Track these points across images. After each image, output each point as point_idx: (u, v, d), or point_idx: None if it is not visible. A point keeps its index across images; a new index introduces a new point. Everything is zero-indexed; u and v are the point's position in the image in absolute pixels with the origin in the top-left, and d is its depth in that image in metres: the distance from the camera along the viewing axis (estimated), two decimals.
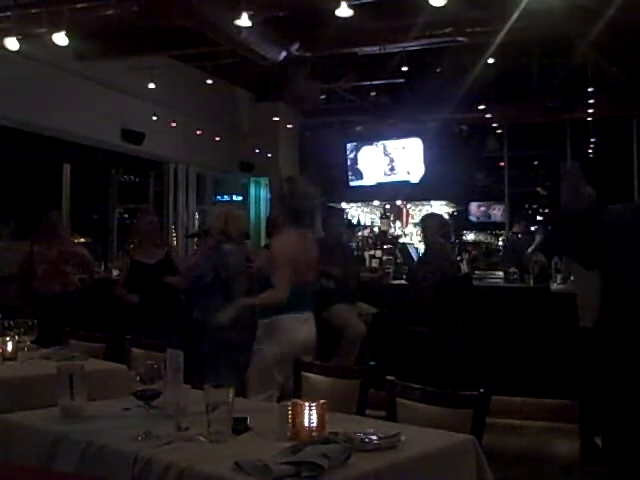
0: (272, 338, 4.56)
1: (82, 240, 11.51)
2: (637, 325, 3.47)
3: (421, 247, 9.90)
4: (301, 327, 4.60)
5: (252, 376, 4.58)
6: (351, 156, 14.70)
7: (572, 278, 6.66)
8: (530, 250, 9.60)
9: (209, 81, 11.29)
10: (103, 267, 9.06)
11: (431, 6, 6.24)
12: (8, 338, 4.15)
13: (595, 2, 7.69)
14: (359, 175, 14.68)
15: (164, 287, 6.38)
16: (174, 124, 11.26)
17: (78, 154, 10.44)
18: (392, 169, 14.40)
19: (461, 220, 14.75)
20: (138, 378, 2.68)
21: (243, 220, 6.44)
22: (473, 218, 16.13)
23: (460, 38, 9.17)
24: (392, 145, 14.46)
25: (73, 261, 7.18)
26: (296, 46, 9.45)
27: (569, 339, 6.07)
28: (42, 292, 6.93)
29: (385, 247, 10.55)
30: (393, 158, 14.40)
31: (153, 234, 6.79)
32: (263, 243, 13.04)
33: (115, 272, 8.86)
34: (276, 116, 13.24)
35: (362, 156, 14.66)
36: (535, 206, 16.80)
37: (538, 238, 10.24)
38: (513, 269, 7.72)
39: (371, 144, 14.63)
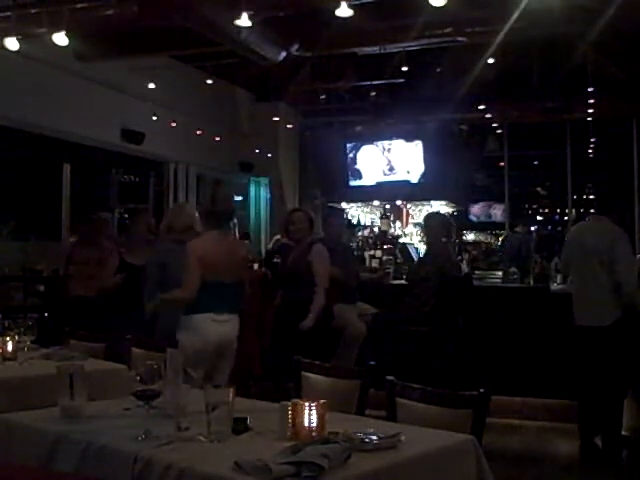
0: (185, 335, 4.64)
1: None
2: None
3: (421, 247, 9.90)
4: (214, 327, 4.70)
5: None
6: (350, 156, 14.70)
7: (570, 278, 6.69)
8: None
9: (209, 81, 11.29)
10: None
11: (431, 6, 6.23)
12: (8, 338, 4.15)
13: (595, 2, 7.69)
14: (358, 175, 14.67)
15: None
16: (174, 124, 11.25)
17: (78, 154, 10.43)
18: (391, 169, 14.39)
19: (461, 220, 14.74)
20: (138, 378, 2.69)
21: (174, 216, 6.17)
22: (473, 218, 16.13)
23: (460, 38, 9.18)
24: (391, 145, 14.45)
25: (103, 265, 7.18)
26: (296, 46, 9.45)
27: (569, 339, 6.08)
28: (72, 294, 6.97)
29: (385, 247, 10.54)
30: (392, 158, 14.39)
31: (143, 235, 6.75)
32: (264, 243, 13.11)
33: None
34: (276, 116, 13.24)
35: (361, 156, 14.65)
36: (535, 206, 16.81)
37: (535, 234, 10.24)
38: (513, 269, 7.72)
39: (370, 144, 14.62)
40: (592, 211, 14.14)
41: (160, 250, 5.73)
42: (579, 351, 5.69)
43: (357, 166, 14.65)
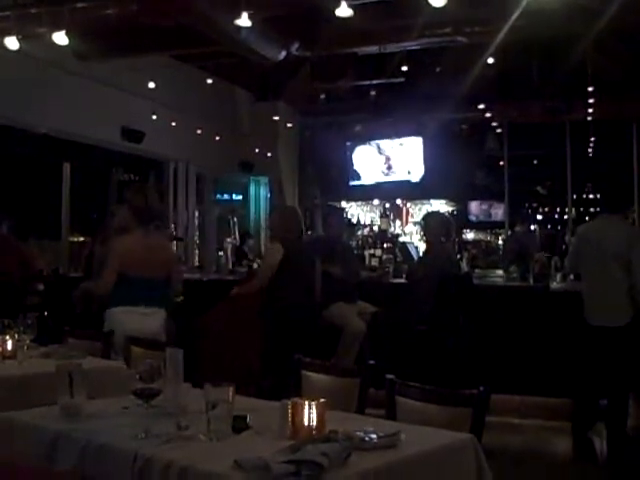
0: (107, 327, 4.93)
1: (82, 239, 11.51)
2: None
3: (421, 246, 9.92)
4: (134, 320, 4.91)
5: None
6: (347, 155, 14.72)
7: (572, 277, 6.68)
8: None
9: (209, 81, 11.30)
10: None
11: (431, 6, 6.24)
12: (7, 337, 4.14)
13: (595, 2, 7.69)
14: (357, 176, 14.68)
15: None
16: (174, 123, 11.26)
17: (78, 153, 10.44)
18: (389, 168, 14.39)
19: (461, 219, 14.76)
20: (138, 376, 2.68)
21: None
22: (473, 217, 16.14)
23: (460, 38, 9.18)
24: (390, 144, 14.46)
25: None
26: (296, 46, 9.45)
27: (569, 338, 6.08)
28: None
29: (385, 246, 10.55)
30: (389, 157, 14.39)
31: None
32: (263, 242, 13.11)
33: None
34: (276, 115, 13.25)
35: (357, 156, 14.66)
36: (535, 205, 16.83)
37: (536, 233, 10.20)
38: (513, 268, 7.72)
39: (365, 144, 14.63)
40: (593, 210, 14.25)
41: None
42: (592, 350, 5.65)
43: (355, 167, 14.65)
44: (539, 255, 8.20)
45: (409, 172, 14.11)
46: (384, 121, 14.13)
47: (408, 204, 14.53)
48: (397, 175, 14.33)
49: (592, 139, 14.67)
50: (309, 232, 12.20)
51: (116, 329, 4.80)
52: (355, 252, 9.39)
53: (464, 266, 9.00)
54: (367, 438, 2.43)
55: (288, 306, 6.09)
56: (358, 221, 14.43)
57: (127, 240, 5.22)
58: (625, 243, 5.52)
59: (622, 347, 5.46)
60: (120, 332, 4.74)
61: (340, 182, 14.72)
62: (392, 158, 14.36)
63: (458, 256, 9.22)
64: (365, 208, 14.98)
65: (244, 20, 6.74)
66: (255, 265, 9.24)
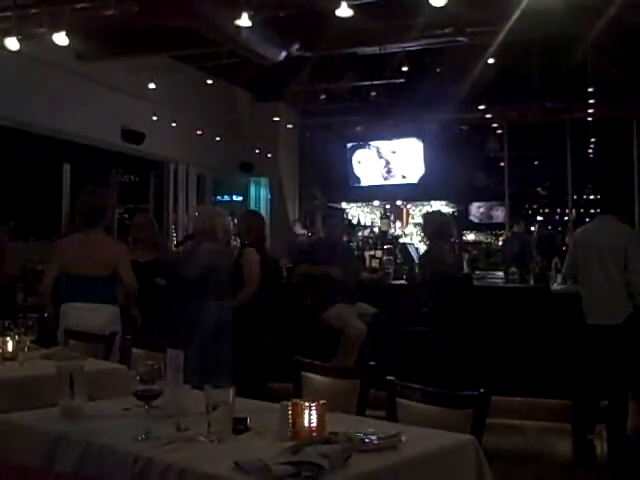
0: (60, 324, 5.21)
1: None
2: None
3: (421, 247, 9.92)
4: (75, 314, 5.16)
5: None
6: (347, 158, 14.72)
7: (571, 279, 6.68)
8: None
9: (209, 81, 11.29)
10: None
11: (431, 6, 6.23)
12: (8, 338, 4.14)
13: (595, 2, 7.69)
14: (356, 180, 14.68)
15: (153, 286, 6.30)
16: (174, 124, 11.25)
17: (78, 154, 10.43)
18: (389, 171, 14.40)
19: (462, 220, 14.75)
20: (138, 378, 2.69)
21: (214, 220, 6.28)
22: (474, 219, 16.13)
23: (460, 38, 9.18)
24: (390, 146, 14.46)
25: None
26: (296, 46, 9.44)
27: (569, 339, 6.08)
28: None
29: (385, 247, 10.54)
30: (389, 160, 14.39)
31: (147, 234, 6.79)
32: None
33: None
34: (276, 116, 13.25)
35: (357, 160, 14.66)
36: (535, 206, 16.82)
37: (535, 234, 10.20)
38: (513, 269, 7.71)
39: (364, 147, 14.63)
40: (593, 211, 14.24)
41: (206, 252, 5.85)
42: (590, 349, 5.67)
43: (355, 171, 14.66)
44: (537, 256, 8.20)
45: (404, 177, 14.12)
46: (384, 122, 14.12)
47: (408, 205, 14.53)
48: (396, 179, 14.33)
49: (592, 140, 14.66)
50: (309, 234, 12.20)
51: (61, 324, 5.12)
52: (355, 253, 9.39)
53: (464, 267, 8.98)
54: (367, 439, 2.42)
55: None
56: (358, 222, 14.43)
57: (66, 240, 5.61)
58: (621, 241, 5.56)
59: (620, 345, 5.48)
60: (63, 327, 5.04)
61: (341, 183, 14.71)
62: (392, 162, 14.36)
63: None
64: (365, 209, 14.99)
65: (244, 20, 6.74)
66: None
